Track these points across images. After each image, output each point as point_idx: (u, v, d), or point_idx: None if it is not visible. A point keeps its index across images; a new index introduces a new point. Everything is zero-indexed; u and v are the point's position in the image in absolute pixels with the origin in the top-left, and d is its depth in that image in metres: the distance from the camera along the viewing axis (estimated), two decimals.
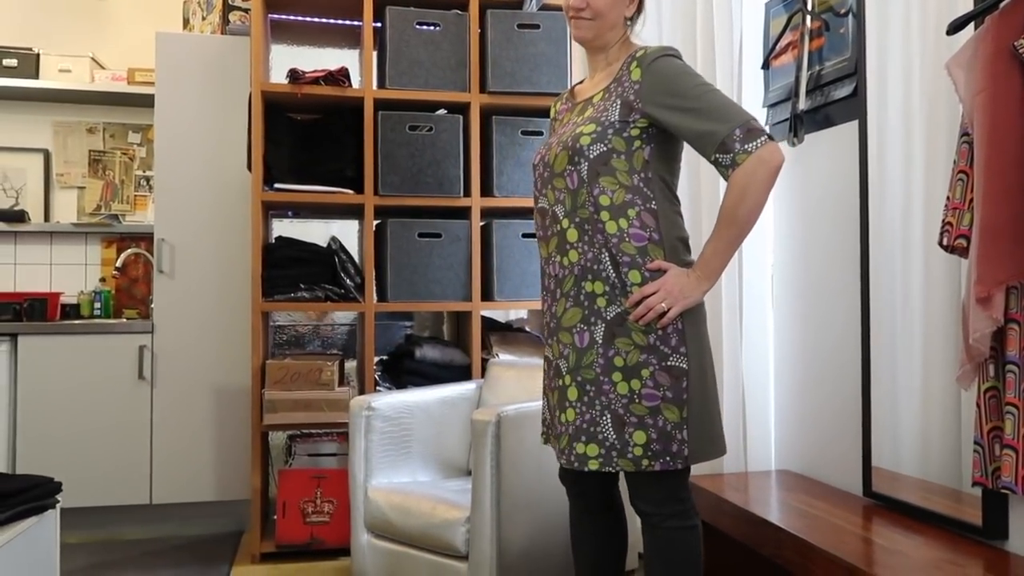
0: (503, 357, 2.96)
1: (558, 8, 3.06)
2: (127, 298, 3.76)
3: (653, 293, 1.60)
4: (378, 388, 2.98)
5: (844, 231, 2.12)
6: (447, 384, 2.80)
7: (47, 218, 3.75)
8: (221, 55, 3.31)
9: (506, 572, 2.13)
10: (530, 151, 3.06)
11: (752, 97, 2.43)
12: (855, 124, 2.05)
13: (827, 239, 2.20)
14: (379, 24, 3.12)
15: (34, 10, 3.78)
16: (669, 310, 1.59)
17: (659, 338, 1.61)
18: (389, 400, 2.53)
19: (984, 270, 1.46)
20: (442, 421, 2.66)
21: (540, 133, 3.08)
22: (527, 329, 3.32)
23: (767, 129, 1.92)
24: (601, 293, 1.64)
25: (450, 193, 3.01)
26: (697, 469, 2.18)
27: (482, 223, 3.12)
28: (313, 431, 3.15)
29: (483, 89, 3.05)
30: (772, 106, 2.43)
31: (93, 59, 3.69)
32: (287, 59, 3.33)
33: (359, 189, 3.00)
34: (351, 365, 3.45)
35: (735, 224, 1.59)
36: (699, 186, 2.43)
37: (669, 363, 1.60)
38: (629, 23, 1.79)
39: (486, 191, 3.07)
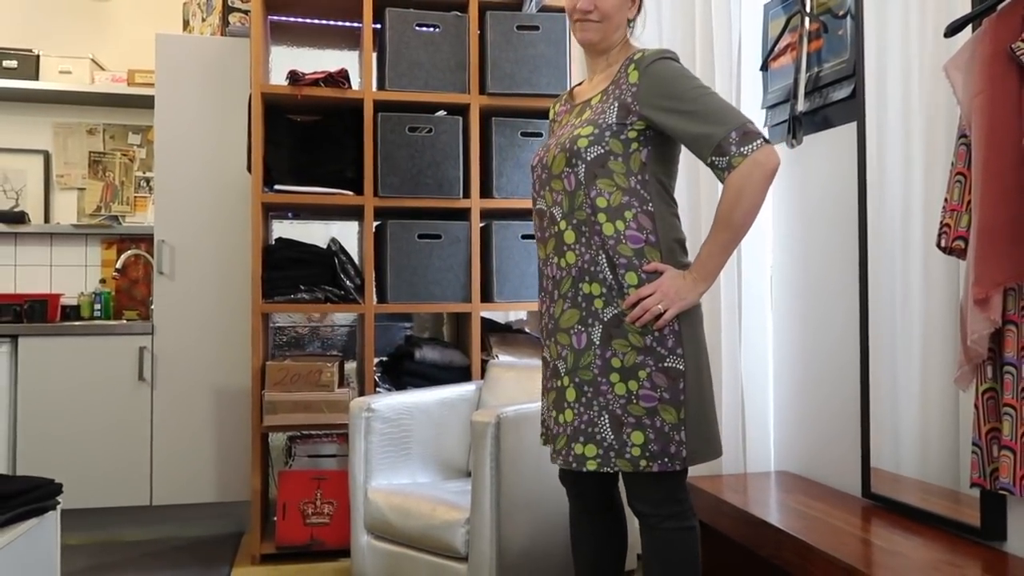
0: (503, 358, 2.96)
1: (557, 10, 3.07)
2: (127, 299, 3.76)
3: (650, 295, 1.60)
4: (378, 389, 2.99)
5: (843, 232, 2.13)
6: (447, 385, 2.80)
7: (47, 219, 3.75)
8: (221, 57, 3.31)
9: (506, 573, 2.13)
10: (530, 152, 3.06)
11: (751, 99, 2.43)
12: (854, 126, 2.06)
13: (826, 240, 2.20)
14: (379, 25, 3.12)
15: (34, 11, 3.78)
16: (665, 312, 1.60)
17: (656, 339, 1.61)
18: (389, 401, 2.54)
19: (982, 272, 1.46)
20: (442, 422, 2.66)
21: (540, 134, 3.08)
22: (527, 330, 3.32)
23: (764, 132, 1.92)
24: (598, 295, 1.65)
25: (450, 194, 3.01)
26: (696, 470, 2.18)
27: (482, 224, 3.13)
28: (313, 432, 3.16)
29: (483, 90, 3.05)
30: (771, 108, 2.43)
31: (93, 60, 3.69)
32: (287, 61, 3.33)
33: (359, 190, 3.00)
34: (351, 366, 3.46)
35: (731, 226, 1.60)
36: (698, 188, 2.44)
37: (666, 364, 1.61)
38: (630, 25, 1.80)
39: (486, 192, 3.07)
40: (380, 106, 3.02)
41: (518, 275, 3.03)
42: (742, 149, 1.55)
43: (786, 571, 1.76)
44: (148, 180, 3.83)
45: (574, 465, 1.66)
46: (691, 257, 1.71)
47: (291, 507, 2.90)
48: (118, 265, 3.60)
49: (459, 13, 3.07)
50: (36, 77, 3.57)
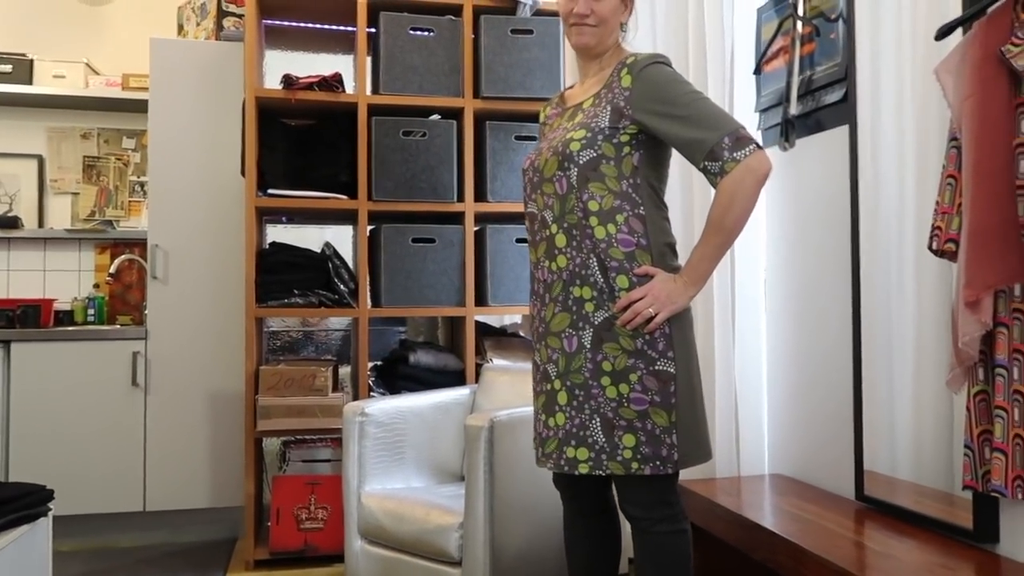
0: (497, 362, 2.96)
1: (551, 14, 3.07)
2: (121, 304, 3.75)
3: (641, 298, 1.60)
4: (372, 394, 2.98)
5: (836, 235, 2.13)
6: (441, 389, 2.80)
7: (41, 224, 3.74)
8: (215, 61, 3.31)
9: None
10: (524, 156, 3.06)
11: (744, 102, 2.43)
12: (846, 129, 2.06)
13: (819, 243, 2.20)
14: (373, 30, 3.12)
15: (28, 16, 3.78)
16: (656, 315, 1.60)
17: (646, 343, 1.61)
18: (383, 406, 2.53)
19: (973, 274, 1.46)
20: (436, 426, 2.66)
21: (534, 138, 3.08)
22: (521, 334, 3.32)
23: (756, 138, 1.93)
24: (589, 298, 1.65)
25: (444, 198, 3.01)
26: (690, 473, 2.18)
27: (476, 228, 3.13)
28: (307, 437, 3.15)
29: (477, 94, 3.06)
30: (764, 111, 2.43)
31: (87, 65, 3.69)
32: (281, 65, 3.33)
33: (353, 195, 3.00)
34: (345, 371, 3.45)
35: (722, 231, 1.60)
36: (692, 192, 2.44)
37: (657, 367, 1.61)
38: (623, 28, 1.80)
39: (480, 196, 3.07)
40: (374, 110, 3.02)
41: (512, 279, 3.02)
42: (735, 154, 1.56)
43: (780, 574, 1.75)
44: (142, 184, 3.83)
45: (566, 468, 1.66)
46: (682, 261, 1.72)
47: (285, 512, 2.89)
48: (112, 270, 3.60)
49: (453, 17, 3.08)
50: (30, 81, 3.57)
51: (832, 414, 2.15)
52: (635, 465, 1.60)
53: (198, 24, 3.60)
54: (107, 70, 3.79)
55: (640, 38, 1.95)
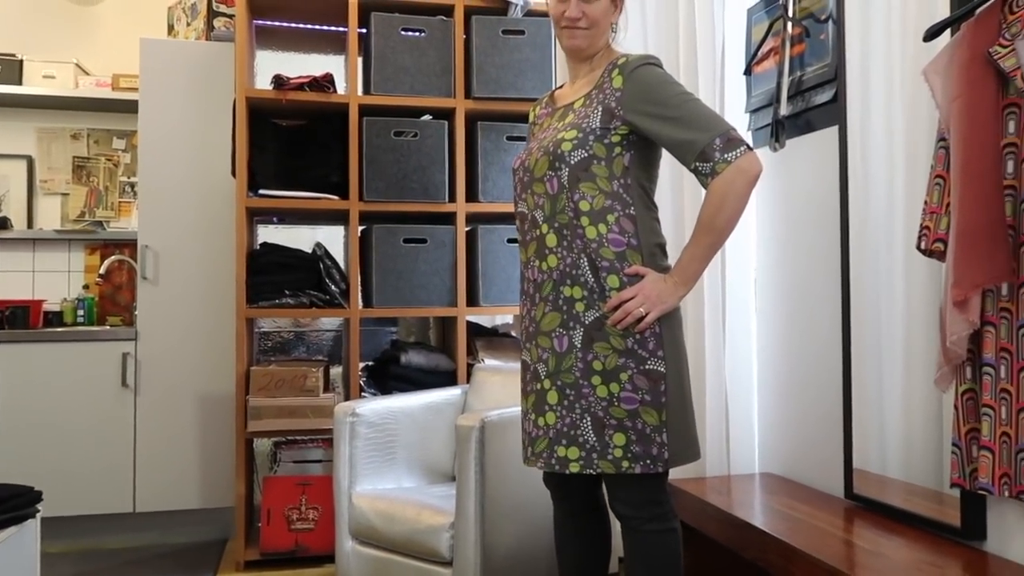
0: (489, 362, 2.96)
1: (542, 14, 3.08)
2: (111, 305, 3.74)
3: (631, 298, 1.61)
4: (363, 394, 2.98)
5: (826, 235, 2.14)
6: (432, 390, 2.79)
7: (30, 225, 3.72)
8: (206, 61, 3.30)
9: None
10: (515, 157, 3.06)
11: (734, 102, 2.44)
12: (836, 129, 2.07)
13: (809, 243, 2.21)
14: (364, 30, 3.12)
15: (18, 16, 3.76)
16: (647, 315, 1.60)
17: (637, 342, 1.62)
18: (374, 406, 2.53)
19: (961, 274, 1.47)
20: (427, 427, 2.66)
21: (525, 138, 3.08)
22: (512, 334, 3.32)
23: (747, 138, 1.93)
24: (580, 298, 1.65)
25: (435, 199, 3.01)
26: (680, 472, 2.18)
27: (467, 228, 3.13)
28: (298, 438, 3.14)
29: (468, 95, 3.06)
30: (754, 111, 2.44)
31: (77, 65, 3.68)
32: (272, 65, 3.32)
33: (344, 195, 3.00)
34: (336, 371, 3.44)
35: (713, 232, 1.61)
36: (682, 193, 2.44)
37: (647, 367, 1.61)
38: (613, 29, 1.81)
39: (471, 197, 3.07)
40: (365, 110, 3.02)
41: (504, 279, 3.03)
42: (726, 155, 1.57)
43: (770, 573, 1.76)
44: (133, 185, 3.81)
45: (557, 467, 1.66)
46: (671, 261, 1.72)
47: (276, 513, 2.88)
48: (101, 271, 3.58)
49: (444, 18, 3.08)
50: (19, 82, 3.55)
51: (822, 413, 2.15)
52: (625, 464, 1.60)
53: (188, 24, 3.59)
54: (97, 70, 3.77)
55: (631, 38, 1.96)
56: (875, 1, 1.91)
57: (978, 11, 1.52)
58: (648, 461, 1.60)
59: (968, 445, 1.54)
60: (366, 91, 3.07)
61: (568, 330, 1.66)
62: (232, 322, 3.23)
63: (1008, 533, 1.58)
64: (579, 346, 1.64)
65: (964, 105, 1.49)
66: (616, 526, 1.80)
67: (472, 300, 3.04)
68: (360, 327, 2.99)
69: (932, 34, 1.60)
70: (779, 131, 2.27)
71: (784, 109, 2.25)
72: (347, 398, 3.11)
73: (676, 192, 2.47)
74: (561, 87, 1.91)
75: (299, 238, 3.47)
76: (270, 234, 3.50)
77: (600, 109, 1.68)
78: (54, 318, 3.60)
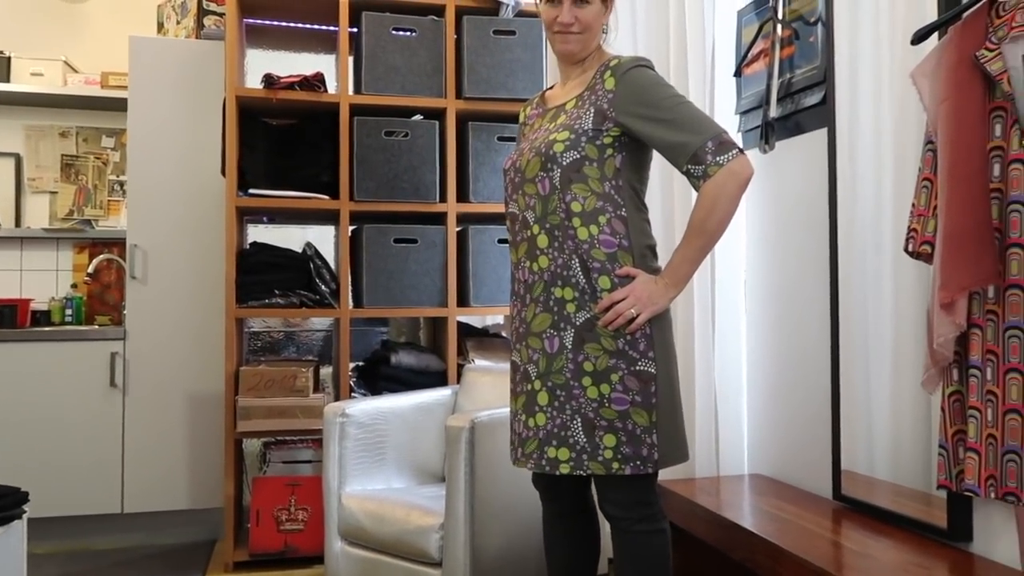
0: (479, 363, 2.96)
1: (533, 15, 3.08)
2: (99, 304, 3.72)
3: (622, 299, 1.61)
4: (353, 394, 2.97)
5: (815, 237, 2.15)
6: (423, 390, 2.79)
7: (18, 223, 3.70)
8: (195, 59, 3.29)
9: None
10: (506, 157, 3.06)
11: (724, 104, 2.45)
12: (825, 131, 2.08)
13: (799, 245, 2.22)
14: (355, 29, 3.11)
15: (5, 13, 3.73)
16: (638, 316, 1.61)
17: (628, 343, 1.62)
18: (364, 407, 2.52)
19: (948, 276, 1.48)
20: (417, 427, 2.65)
21: (516, 139, 3.08)
22: (503, 334, 3.32)
23: (736, 140, 1.94)
24: (571, 299, 1.65)
25: (426, 199, 3.01)
26: (670, 473, 2.19)
27: (458, 229, 3.12)
28: (288, 438, 3.13)
29: (459, 95, 3.05)
30: (744, 113, 2.45)
31: (66, 62, 3.65)
32: (262, 64, 3.31)
33: (335, 195, 2.99)
34: (326, 371, 3.43)
35: (704, 234, 1.62)
36: (672, 194, 2.45)
37: (637, 368, 1.62)
38: (604, 30, 1.81)
39: (462, 197, 3.07)
40: (356, 110, 3.01)
41: (495, 279, 3.02)
42: (718, 158, 1.58)
43: (758, 574, 1.77)
44: (122, 184, 3.79)
45: (547, 468, 1.66)
46: (661, 262, 1.73)
47: (265, 514, 2.87)
48: (90, 270, 3.56)
49: (436, 18, 3.07)
50: (7, 79, 3.53)
51: (811, 414, 2.16)
52: (616, 465, 1.61)
53: (178, 22, 3.57)
54: (86, 68, 3.75)
55: (621, 40, 1.96)
56: (864, 4, 1.92)
57: (965, 15, 1.53)
58: (638, 462, 1.61)
59: (954, 447, 1.55)
60: (357, 91, 3.06)
61: (559, 331, 1.66)
62: (221, 322, 3.22)
63: (994, 534, 1.59)
64: (570, 347, 1.64)
65: (951, 108, 1.50)
66: (605, 527, 1.80)
67: (462, 300, 3.04)
68: (350, 327, 2.99)
69: (920, 37, 1.61)
70: (769, 133, 2.28)
71: (774, 111, 2.26)
72: (337, 398, 3.10)
73: (666, 193, 2.47)
74: (552, 88, 1.91)
75: (289, 238, 3.46)
76: (260, 234, 3.48)
77: (592, 110, 1.68)
78: (42, 317, 3.58)
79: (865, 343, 1.92)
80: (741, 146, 1.63)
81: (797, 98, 2.20)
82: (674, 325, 1.79)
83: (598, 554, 1.88)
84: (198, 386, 3.26)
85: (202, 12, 3.39)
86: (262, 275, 2.94)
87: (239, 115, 2.97)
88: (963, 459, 1.52)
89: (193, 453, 3.25)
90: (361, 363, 3.18)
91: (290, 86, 2.93)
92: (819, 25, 2.12)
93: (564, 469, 1.64)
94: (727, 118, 2.45)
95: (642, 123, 1.64)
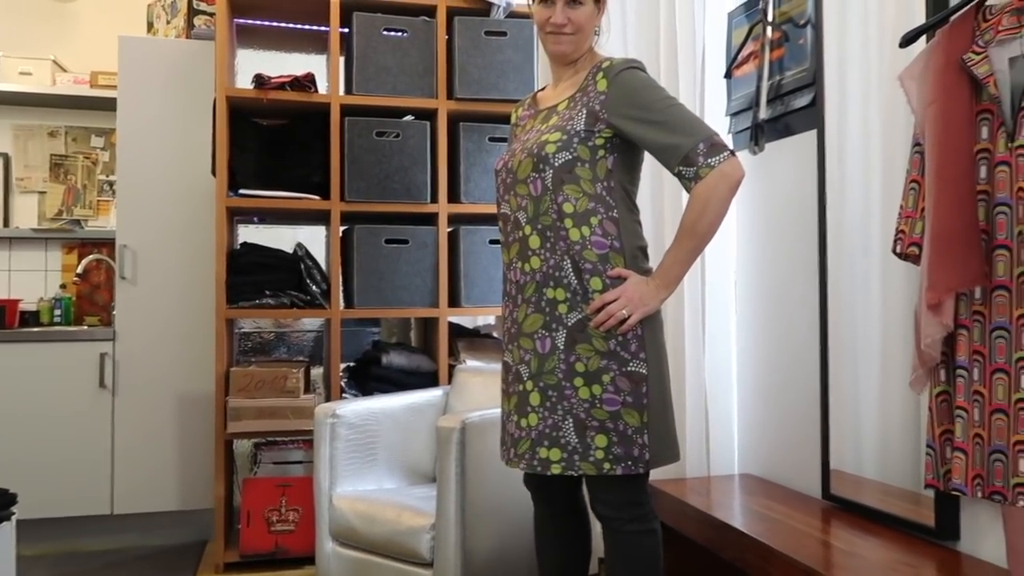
0: (470, 363, 2.96)
1: (525, 16, 3.08)
2: (88, 305, 3.70)
3: (614, 300, 1.62)
4: (344, 395, 2.97)
5: (804, 238, 2.16)
6: (414, 391, 2.79)
7: (6, 223, 3.67)
8: (185, 59, 3.28)
9: None
10: (497, 158, 3.06)
11: (715, 106, 2.46)
12: (814, 133, 2.09)
13: (788, 246, 2.23)
14: (346, 30, 3.11)
15: None
16: (629, 317, 1.61)
17: (619, 344, 1.62)
18: (354, 407, 2.52)
19: (935, 277, 1.49)
20: (408, 428, 2.65)
21: (507, 140, 3.08)
22: (494, 335, 3.32)
23: (729, 144, 1.95)
24: (563, 300, 1.66)
25: (417, 199, 3.01)
26: (661, 473, 2.20)
27: (449, 229, 3.12)
28: (278, 439, 3.12)
29: (450, 96, 3.05)
30: (734, 115, 2.46)
31: (55, 62, 3.63)
32: (253, 64, 3.30)
33: (326, 195, 2.98)
34: (317, 372, 3.43)
35: (695, 236, 1.63)
36: (662, 196, 2.46)
37: (629, 368, 1.62)
38: (596, 32, 1.81)
39: (453, 197, 3.07)
40: (347, 110, 3.01)
41: (486, 280, 3.03)
42: (709, 160, 1.58)
43: (748, 574, 1.78)
44: (111, 184, 3.77)
45: (539, 469, 1.66)
46: (652, 263, 1.73)
47: (255, 515, 2.86)
48: (79, 270, 3.54)
49: (427, 18, 3.07)
50: None
51: (800, 415, 2.18)
52: (607, 465, 1.61)
53: (168, 22, 3.55)
54: (75, 67, 3.73)
55: (611, 42, 1.96)
56: (853, 7, 1.93)
57: (953, 18, 1.54)
58: (629, 462, 1.61)
59: (942, 446, 1.56)
60: (348, 91, 3.06)
61: (551, 331, 1.66)
62: (212, 322, 3.20)
63: (981, 533, 1.61)
64: (562, 347, 1.65)
65: (939, 111, 1.51)
66: (596, 527, 1.81)
67: (454, 301, 3.04)
68: (341, 328, 2.98)
69: (908, 40, 1.62)
70: (759, 134, 2.29)
71: (764, 113, 2.27)
72: (328, 399, 3.10)
73: (656, 195, 2.48)
74: (543, 89, 1.92)
75: (280, 238, 3.45)
76: (251, 234, 3.47)
77: (584, 112, 1.69)
78: (30, 318, 3.56)
79: (854, 344, 1.93)
80: (732, 148, 1.64)
81: (787, 100, 2.22)
82: (665, 326, 1.79)
83: (589, 554, 1.88)
84: (188, 387, 3.25)
85: (192, 12, 3.38)
86: (253, 276, 2.93)
87: (230, 115, 2.96)
88: (950, 459, 1.53)
89: (183, 454, 3.23)
90: (352, 364, 3.18)
91: (281, 86, 2.92)
92: (808, 27, 2.13)
93: (555, 469, 1.64)
94: (717, 120, 2.46)
95: (634, 125, 1.64)
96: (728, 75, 2.47)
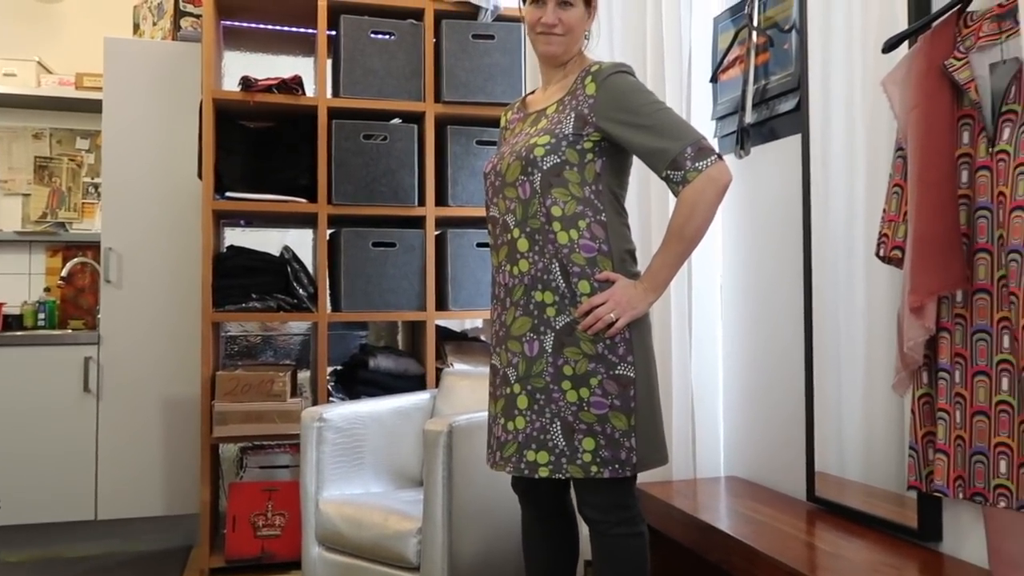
0: (458, 366, 2.96)
1: (512, 19, 3.09)
2: (73, 308, 3.67)
3: (602, 303, 1.62)
4: (331, 399, 2.96)
5: (790, 242, 2.17)
6: (401, 394, 2.79)
7: None
8: (172, 61, 3.26)
9: None
10: (485, 161, 3.07)
11: (701, 110, 2.47)
12: (799, 137, 2.10)
13: (774, 250, 2.25)
14: (333, 32, 3.11)
15: None
16: (617, 320, 1.62)
17: (607, 347, 1.63)
18: (341, 411, 2.51)
19: (918, 281, 1.51)
20: (395, 431, 2.65)
21: (495, 143, 3.09)
22: (482, 338, 3.32)
23: (716, 148, 1.97)
24: (551, 303, 1.66)
25: (405, 202, 3.00)
26: (647, 476, 2.20)
27: (437, 232, 3.13)
28: (265, 443, 3.11)
29: (438, 99, 3.06)
30: (720, 119, 2.48)
31: (39, 63, 3.61)
32: (240, 66, 3.29)
33: (313, 198, 2.98)
34: (304, 376, 3.42)
35: (683, 239, 1.63)
36: (649, 200, 2.47)
37: (617, 372, 1.63)
38: (586, 36, 1.82)
39: (441, 201, 3.07)
40: (334, 113, 3.01)
41: (473, 283, 3.03)
42: (696, 164, 1.59)
43: None
44: (96, 186, 3.75)
45: (526, 472, 1.66)
46: (640, 267, 1.74)
47: (241, 519, 2.85)
48: (63, 273, 3.51)
49: (415, 21, 3.07)
50: None
51: (785, 417, 2.19)
52: (594, 468, 1.62)
53: (155, 24, 3.54)
54: (60, 69, 3.71)
55: (599, 46, 1.97)
56: (837, 12, 1.95)
57: (934, 24, 1.56)
58: (617, 466, 1.62)
59: (924, 448, 1.57)
60: (335, 93, 3.06)
61: (539, 335, 1.67)
62: (197, 326, 3.18)
63: (963, 534, 1.62)
64: (549, 351, 1.65)
65: (921, 115, 1.53)
66: (584, 530, 1.81)
67: (441, 304, 3.04)
68: (328, 331, 2.97)
69: (891, 46, 1.64)
70: (744, 138, 2.31)
71: (749, 117, 2.29)
72: (315, 403, 3.09)
73: (643, 199, 2.49)
74: (533, 92, 1.92)
75: (267, 241, 3.43)
76: (237, 237, 3.46)
77: (573, 115, 1.69)
78: (14, 321, 3.53)
79: (838, 346, 1.95)
80: (719, 152, 1.65)
81: (772, 104, 2.23)
82: (652, 329, 1.80)
83: (576, 557, 1.89)
84: (174, 391, 3.23)
85: (179, 14, 3.37)
86: (239, 279, 2.92)
87: (216, 118, 2.95)
88: (932, 460, 1.55)
89: (168, 458, 3.21)
90: (339, 367, 3.17)
91: (268, 89, 2.92)
92: (793, 33, 2.15)
93: (543, 473, 1.64)
94: (703, 123, 2.47)
95: (622, 129, 1.65)
96: (714, 79, 2.48)
